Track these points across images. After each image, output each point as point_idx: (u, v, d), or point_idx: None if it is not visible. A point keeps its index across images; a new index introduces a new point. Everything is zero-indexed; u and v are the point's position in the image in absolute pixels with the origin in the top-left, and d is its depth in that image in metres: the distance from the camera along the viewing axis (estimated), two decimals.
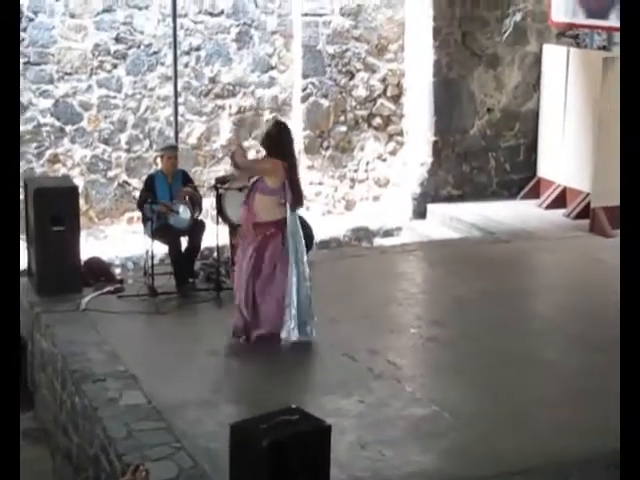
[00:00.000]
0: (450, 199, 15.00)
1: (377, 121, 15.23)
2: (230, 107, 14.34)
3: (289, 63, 14.61)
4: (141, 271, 10.97)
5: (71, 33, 13.39)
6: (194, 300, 10.10)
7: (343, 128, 15.03)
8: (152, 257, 10.13)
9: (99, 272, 10.59)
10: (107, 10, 13.52)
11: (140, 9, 13.67)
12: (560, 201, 14.32)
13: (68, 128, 13.56)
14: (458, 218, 14.23)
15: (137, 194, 10.59)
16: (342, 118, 14.99)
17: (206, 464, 6.64)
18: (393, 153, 15.40)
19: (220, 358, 8.72)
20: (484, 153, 15.26)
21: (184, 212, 10.26)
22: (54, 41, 13.31)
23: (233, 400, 7.87)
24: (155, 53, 13.83)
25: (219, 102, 14.27)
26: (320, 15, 14.62)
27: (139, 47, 13.75)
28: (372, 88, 15.11)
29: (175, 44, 13.76)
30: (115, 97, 13.72)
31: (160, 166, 10.93)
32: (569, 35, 15.46)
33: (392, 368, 8.40)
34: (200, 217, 10.59)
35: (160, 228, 10.22)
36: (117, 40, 13.61)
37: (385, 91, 15.21)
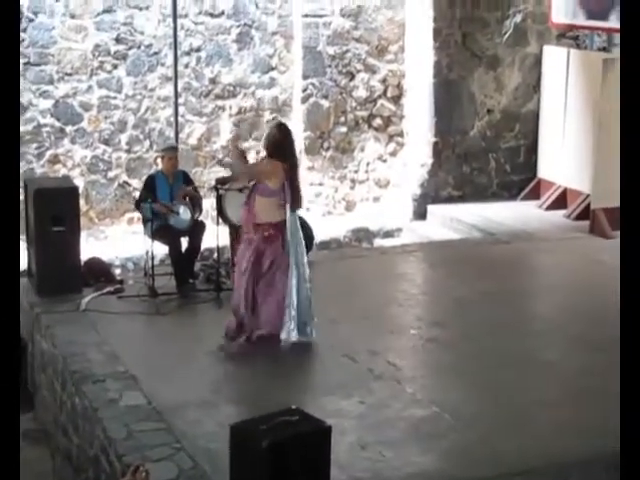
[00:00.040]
0: (450, 200, 15.00)
1: (377, 122, 15.24)
2: (230, 108, 14.34)
3: (289, 64, 14.61)
4: (141, 272, 10.97)
5: (71, 34, 13.40)
6: (194, 301, 10.10)
7: (343, 129, 15.03)
8: (152, 258, 10.13)
9: (99, 273, 10.59)
10: (107, 10, 13.52)
11: (140, 9, 13.68)
12: (560, 202, 14.32)
13: (68, 129, 13.57)
14: (458, 219, 14.23)
15: (137, 194, 10.57)
16: (342, 119, 15.00)
17: (206, 465, 6.64)
18: (393, 154, 15.41)
19: (220, 359, 8.72)
20: (484, 154, 15.26)
21: (184, 213, 10.26)
22: (54, 42, 13.32)
23: (233, 401, 7.87)
24: (155, 54, 13.84)
25: (219, 103, 14.27)
26: (320, 16, 14.63)
27: (139, 48, 13.75)
28: (372, 89, 15.11)
29: (175, 45, 13.76)
30: (115, 98, 13.72)
31: (160, 167, 10.93)
32: (569, 36, 15.46)
33: (392, 369, 8.40)
34: (200, 218, 10.59)
35: (160, 229, 10.22)
36: (117, 41, 13.62)
37: (385, 92, 15.21)
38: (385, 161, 15.38)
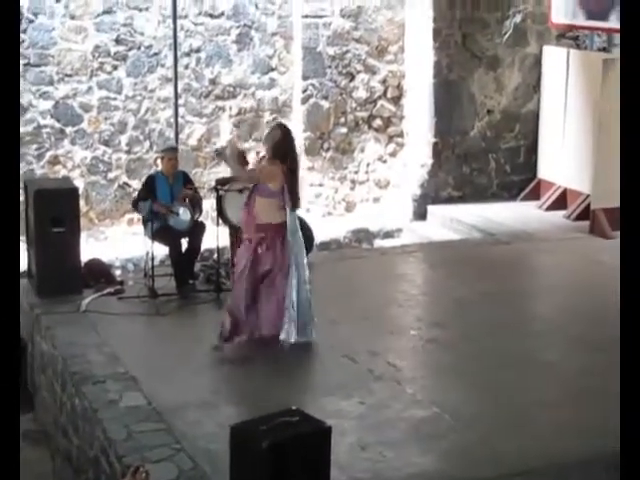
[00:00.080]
0: (450, 200, 15.00)
1: (377, 122, 15.24)
2: (230, 109, 14.34)
3: (289, 65, 14.61)
4: (141, 272, 10.97)
5: (71, 34, 13.40)
6: (194, 301, 10.10)
7: (343, 129, 15.03)
8: (152, 258, 10.13)
9: (99, 273, 10.59)
10: (107, 11, 13.52)
11: (140, 10, 13.68)
12: (560, 202, 14.32)
13: (68, 130, 13.57)
14: (458, 219, 14.23)
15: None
16: (342, 119, 15.00)
17: (206, 465, 6.64)
18: (393, 154, 15.41)
19: (220, 359, 8.72)
20: (484, 154, 15.26)
21: (184, 214, 10.26)
22: (54, 43, 13.32)
23: (233, 401, 7.87)
24: (155, 54, 13.84)
25: (219, 103, 14.27)
26: (320, 17, 14.63)
27: (139, 48, 13.75)
28: (372, 90, 15.11)
29: (175, 46, 13.76)
30: (115, 99, 13.72)
31: (160, 167, 10.93)
32: (569, 37, 15.47)
33: (392, 370, 8.40)
34: (200, 219, 10.59)
35: (160, 229, 10.22)
36: (117, 41, 13.62)
37: (385, 93, 15.21)
38: (385, 162, 15.39)
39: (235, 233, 10.23)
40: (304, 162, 14.35)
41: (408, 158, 15.29)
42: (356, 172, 15.23)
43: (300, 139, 14.31)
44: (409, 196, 15.06)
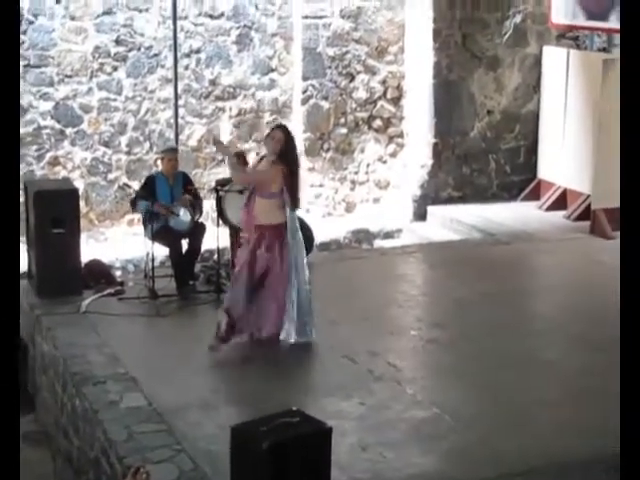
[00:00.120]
0: (450, 201, 15.00)
1: (377, 123, 15.24)
2: (230, 109, 14.34)
3: (289, 65, 14.61)
4: (141, 273, 10.97)
5: (71, 35, 13.40)
6: (194, 302, 10.10)
7: (343, 130, 15.04)
8: (152, 259, 10.13)
9: (99, 274, 10.59)
10: (107, 12, 13.53)
11: (140, 11, 13.68)
12: (560, 203, 14.31)
13: (68, 131, 13.57)
14: (458, 220, 14.23)
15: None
16: (342, 120, 15.00)
17: (207, 466, 6.64)
18: (393, 155, 15.41)
19: (220, 360, 8.71)
20: (484, 155, 15.26)
21: (184, 215, 10.27)
22: (54, 44, 13.32)
23: (233, 402, 7.87)
24: (155, 55, 13.84)
25: (219, 104, 14.28)
26: (320, 17, 14.63)
27: (139, 49, 13.76)
28: (372, 90, 15.11)
29: (175, 46, 13.77)
30: (115, 99, 13.73)
31: (160, 168, 10.93)
32: (569, 37, 15.46)
33: (392, 370, 8.40)
34: (200, 219, 10.59)
35: (160, 230, 10.22)
36: (117, 42, 13.62)
37: (385, 93, 15.21)
38: (385, 162, 15.39)
39: (235, 234, 10.24)
40: (304, 163, 14.35)
41: (408, 159, 15.29)
42: (356, 173, 15.23)
43: (300, 140, 14.31)
44: (409, 196, 15.06)
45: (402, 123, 15.35)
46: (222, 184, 10.48)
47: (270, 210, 8.63)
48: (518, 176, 15.36)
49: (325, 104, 14.82)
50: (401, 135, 15.39)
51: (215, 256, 10.77)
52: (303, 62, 14.59)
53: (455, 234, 13.92)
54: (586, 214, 13.33)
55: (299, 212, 9.12)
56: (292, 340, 8.77)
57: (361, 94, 15.06)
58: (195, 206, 10.42)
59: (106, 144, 13.78)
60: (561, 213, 14.13)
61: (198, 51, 14.08)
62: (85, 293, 10.12)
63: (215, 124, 14.19)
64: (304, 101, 14.67)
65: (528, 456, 6.87)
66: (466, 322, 9.71)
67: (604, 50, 15.12)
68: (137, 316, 9.70)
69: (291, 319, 8.75)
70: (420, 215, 14.95)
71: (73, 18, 13.37)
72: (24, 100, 13.10)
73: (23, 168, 13.06)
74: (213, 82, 14.20)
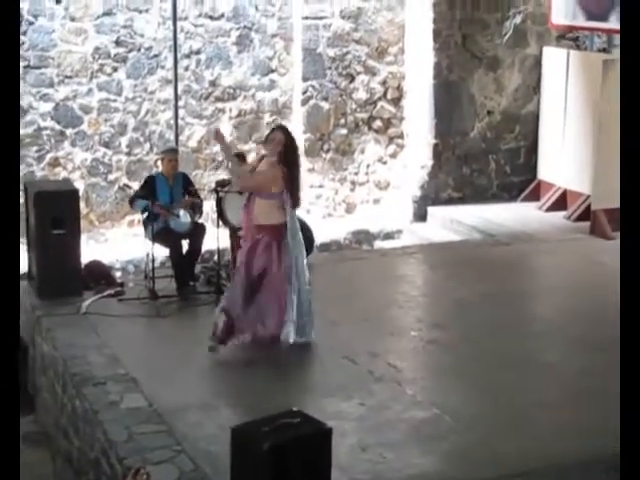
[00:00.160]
0: (450, 202, 15.00)
1: (377, 124, 15.24)
2: (230, 110, 14.35)
3: (289, 66, 14.62)
4: (142, 274, 10.97)
5: (71, 36, 13.40)
6: (195, 303, 10.10)
7: (343, 131, 15.04)
8: (153, 260, 10.13)
9: (100, 275, 10.59)
10: (107, 13, 13.53)
11: (140, 12, 13.68)
12: (560, 203, 14.32)
13: (68, 131, 13.58)
14: (458, 221, 14.23)
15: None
16: (342, 121, 15.01)
17: (207, 467, 6.64)
18: (393, 156, 15.41)
19: (221, 361, 8.71)
20: (484, 155, 15.26)
21: (184, 216, 10.27)
22: (54, 44, 13.33)
23: (234, 403, 7.86)
24: (155, 56, 13.84)
25: (219, 105, 14.28)
26: (320, 18, 14.63)
27: (139, 50, 13.76)
28: (372, 91, 15.12)
29: (175, 47, 13.77)
30: (115, 100, 13.73)
31: (161, 169, 10.93)
32: (569, 37, 15.47)
33: (393, 371, 8.40)
34: (200, 220, 10.59)
35: (161, 231, 10.22)
36: (117, 43, 13.62)
37: (385, 94, 15.22)
38: (385, 163, 15.39)
39: (235, 235, 10.23)
40: (304, 163, 14.35)
41: (408, 159, 15.30)
42: (356, 173, 15.24)
43: (300, 140, 14.31)
44: (409, 197, 15.06)
45: (402, 124, 15.35)
46: (222, 185, 10.48)
47: (269, 211, 8.62)
48: (518, 177, 15.36)
49: (325, 105, 14.83)
50: (401, 136, 15.39)
51: (215, 257, 10.78)
52: (303, 63, 14.59)
53: (455, 235, 13.93)
54: (586, 215, 13.34)
55: (299, 213, 9.11)
56: (291, 340, 8.77)
57: (361, 95, 15.07)
58: (196, 206, 10.42)
59: (106, 145, 13.79)
60: (561, 214, 14.13)
61: (198, 52, 14.09)
62: (85, 294, 10.12)
63: (215, 125, 14.18)
64: (304, 102, 14.67)
65: (528, 457, 6.87)
66: (466, 323, 9.71)
67: (604, 51, 15.12)
68: (137, 317, 9.70)
69: (291, 319, 8.75)
70: (420, 216, 14.95)
71: (73, 19, 13.38)
72: (24, 101, 13.10)
73: (23, 169, 13.07)
74: (213, 83, 14.21)
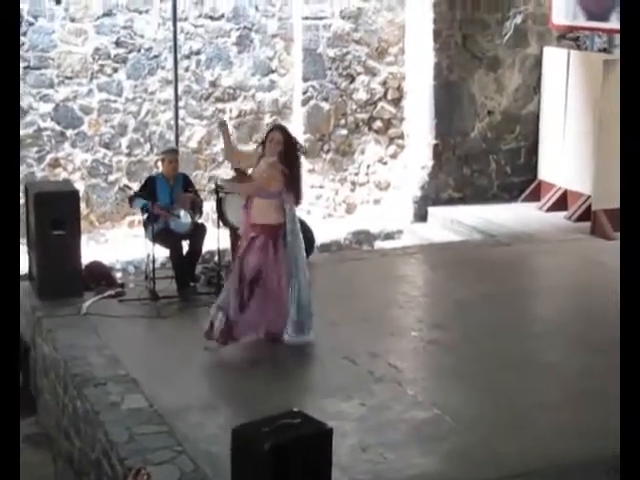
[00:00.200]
0: (451, 202, 15.01)
1: (378, 124, 15.24)
2: (231, 111, 14.34)
3: (289, 66, 14.62)
4: (142, 275, 10.97)
5: (71, 37, 13.40)
6: (195, 304, 10.09)
7: (344, 131, 15.04)
8: (153, 261, 10.13)
9: (100, 276, 10.59)
10: (107, 14, 13.53)
11: (140, 13, 13.68)
12: (561, 204, 14.32)
13: (69, 132, 13.58)
14: (459, 221, 14.23)
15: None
16: (343, 121, 15.01)
17: (208, 468, 6.64)
18: (394, 156, 15.41)
19: (221, 362, 8.72)
20: (485, 156, 15.26)
21: (185, 216, 10.26)
22: (54, 45, 13.32)
23: (234, 404, 7.87)
24: (155, 57, 13.84)
25: (220, 106, 14.28)
26: (320, 18, 14.63)
27: (139, 51, 13.76)
28: (372, 91, 15.12)
29: (175, 48, 13.77)
30: (116, 101, 13.73)
31: (161, 169, 10.93)
32: (570, 37, 15.46)
33: (393, 371, 8.40)
34: (201, 221, 10.59)
35: (161, 232, 10.22)
36: (117, 44, 13.62)
37: (386, 94, 15.22)
38: (385, 163, 15.39)
39: (236, 235, 10.23)
40: (304, 164, 14.34)
41: (408, 160, 15.30)
42: (356, 174, 15.23)
43: (300, 141, 14.29)
44: (409, 198, 15.06)
45: (402, 124, 15.35)
46: (222, 185, 10.47)
47: (267, 210, 8.60)
48: (518, 177, 15.36)
49: (325, 105, 14.83)
50: (401, 136, 15.39)
51: (216, 257, 10.78)
52: (303, 63, 14.59)
53: (456, 235, 13.93)
54: (587, 215, 13.34)
55: (299, 214, 9.11)
56: (291, 340, 8.77)
57: (361, 95, 15.07)
58: (196, 206, 10.41)
59: (106, 146, 13.78)
60: (562, 214, 14.13)
61: (198, 52, 14.09)
62: (86, 295, 10.12)
63: (215, 125, 14.17)
64: (304, 102, 14.67)
65: (528, 458, 6.87)
66: (467, 323, 9.71)
67: (605, 51, 15.12)
68: (138, 318, 9.69)
69: (291, 319, 8.76)
70: (421, 216, 14.95)
71: (73, 20, 13.38)
72: (24, 102, 13.10)
73: (23, 170, 13.07)
74: (213, 83, 14.21)
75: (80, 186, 12.84)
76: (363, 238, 14.79)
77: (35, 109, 13.32)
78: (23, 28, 12.99)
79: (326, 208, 15.04)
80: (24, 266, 9.68)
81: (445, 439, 7.18)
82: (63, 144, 13.56)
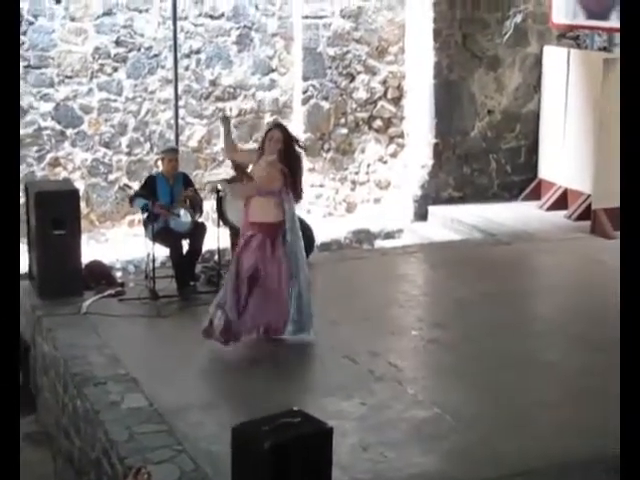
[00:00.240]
0: (451, 201, 15.01)
1: (378, 123, 15.24)
2: (231, 110, 14.34)
3: (289, 65, 14.62)
4: (142, 274, 10.97)
5: (71, 36, 13.40)
6: (195, 303, 10.08)
7: (344, 130, 15.04)
8: (153, 260, 10.13)
9: (100, 275, 10.59)
10: (107, 13, 13.53)
11: (140, 12, 13.68)
12: (561, 203, 14.32)
13: (69, 131, 13.58)
14: (459, 220, 14.23)
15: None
16: (343, 120, 15.00)
17: (208, 467, 6.64)
18: (394, 155, 15.41)
19: (221, 361, 8.72)
20: (485, 155, 15.26)
21: (185, 215, 10.26)
22: (54, 44, 13.32)
23: (234, 403, 7.87)
24: (155, 56, 13.84)
25: (220, 105, 14.27)
26: (320, 17, 14.63)
27: (139, 50, 13.76)
28: (373, 90, 15.12)
29: (175, 47, 13.77)
30: (116, 100, 13.73)
31: (161, 169, 10.93)
32: (570, 36, 15.46)
33: (393, 370, 8.40)
34: (201, 220, 10.59)
35: (161, 231, 10.21)
36: (117, 43, 13.62)
37: (386, 93, 15.22)
38: (386, 162, 15.39)
39: (236, 234, 10.22)
40: (304, 163, 14.33)
41: (409, 159, 15.30)
42: (357, 173, 15.24)
43: (300, 139, 14.30)
44: (410, 197, 15.06)
45: (402, 123, 15.35)
46: (222, 189, 10.46)
47: (266, 208, 8.59)
48: (519, 176, 15.36)
49: (325, 104, 14.83)
50: (401, 135, 15.39)
51: (216, 257, 10.78)
52: (303, 62, 14.59)
53: (456, 234, 13.93)
54: (587, 214, 13.34)
55: (299, 213, 9.10)
56: (291, 339, 8.77)
57: (361, 94, 15.07)
58: (196, 203, 10.41)
59: (106, 145, 13.78)
60: (562, 213, 14.13)
61: (198, 52, 14.09)
62: (86, 294, 10.12)
63: (215, 125, 14.18)
64: (304, 101, 14.67)
65: (528, 457, 6.87)
66: (467, 322, 9.71)
67: (605, 49, 15.12)
68: (138, 317, 9.70)
69: (291, 318, 8.75)
70: (421, 215, 14.95)
71: (73, 19, 13.38)
72: (24, 101, 13.10)
73: (24, 169, 13.07)
74: (213, 83, 14.21)
75: (80, 185, 12.84)
76: (363, 237, 14.79)
77: (35, 108, 13.32)
78: (23, 27, 12.99)
79: (326, 207, 15.04)
80: (24, 265, 9.69)
81: (445, 438, 7.18)
82: (63, 143, 13.57)
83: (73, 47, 13.43)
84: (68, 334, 9.14)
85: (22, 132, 13.02)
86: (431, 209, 14.87)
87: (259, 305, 8.68)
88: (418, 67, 14.94)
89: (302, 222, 9.48)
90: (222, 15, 14.14)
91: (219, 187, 10.41)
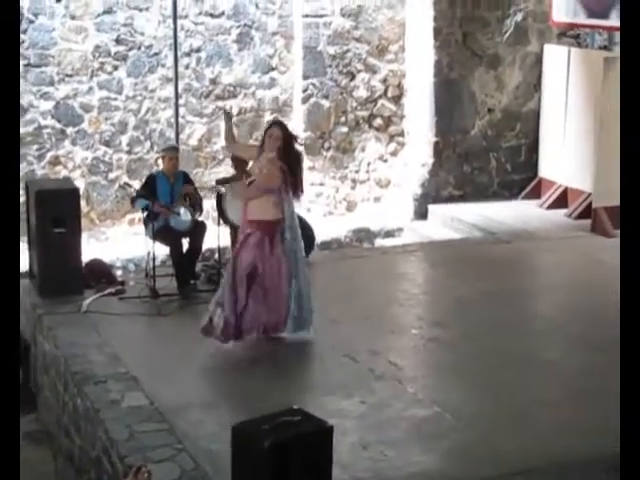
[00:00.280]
0: (451, 200, 15.00)
1: (378, 122, 15.24)
2: (231, 108, 14.31)
3: (290, 64, 14.61)
4: (142, 273, 10.98)
5: (71, 35, 13.40)
6: (195, 302, 10.08)
7: (344, 129, 15.03)
8: (153, 259, 10.14)
9: (100, 274, 10.59)
10: (107, 12, 13.52)
11: (141, 10, 13.68)
12: (561, 201, 14.32)
13: (69, 130, 13.57)
14: (459, 219, 14.24)
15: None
16: (343, 119, 15.00)
17: (208, 466, 6.65)
18: (394, 154, 15.41)
19: (221, 359, 8.72)
20: (485, 153, 15.26)
21: (185, 214, 10.26)
22: (54, 43, 13.32)
23: (235, 401, 7.87)
24: (156, 54, 13.84)
25: (220, 103, 14.26)
26: (321, 16, 14.63)
27: (140, 49, 13.75)
28: (373, 89, 15.11)
29: (176, 45, 13.76)
30: (116, 99, 13.73)
31: (161, 167, 10.93)
32: (570, 35, 15.46)
33: (393, 369, 8.41)
34: (201, 218, 10.59)
35: (161, 230, 10.22)
36: (118, 42, 13.62)
37: (386, 92, 15.21)
38: (386, 161, 15.39)
39: (236, 233, 10.22)
40: (305, 162, 14.33)
41: (409, 157, 15.29)
42: (357, 171, 15.23)
43: (300, 136, 14.30)
44: (410, 195, 15.06)
45: (403, 122, 15.35)
46: (222, 183, 10.47)
47: (265, 205, 8.58)
48: (519, 174, 15.36)
49: (326, 103, 14.82)
50: (402, 134, 15.38)
51: (216, 255, 10.78)
52: (303, 61, 14.59)
53: (456, 233, 13.93)
54: (587, 212, 13.34)
55: (299, 211, 9.10)
56: (291, 338, 8.77)
57: (362, 93, 15.06)
58: (196, 202, 10.41)
59: (107, 143, 13.78)
60: (562, 211, 14.13)
61: (198, 50, 14.08)
62: (86, 292, 10.13)
63: (215, 123, 14.18)
64: (305, 100, 14.67)
65: (528, 455, 6.88)
66: (467, 321, 9.71)
67: (605, 48, 15.12)
68: (138, 315, 9.70)
69: (291, 317, 8.76)
70: (421, 214, 14.95)
71: (73, 17, 13.37)
72: (24, 100, 13.09)
73: (24, 168, 13.06)
74: (213, 81, 14.20)
75: (80, 184, 12.84)
76: (363, 236, 14.78)
77: (35, 107, 13.32)
78: (23, 26, 12.98)
79: (326, 206, 15.04)
80: (24, 264, 9.69)
81: (445, 437, 7.18)
82: (63, 142, 13.56)
83: (73, 45, 13.42)
84: (68, 332, 9.15)
85: (22, 130, 13.02)
86: (431, 208, 14.87)
87: (259, 303, 8.68)
88: (418, 65, 14.94)
89: (302, 221, 9.48)
90: (222, 14, 14.13)
91: (223, 190, 10.40)
